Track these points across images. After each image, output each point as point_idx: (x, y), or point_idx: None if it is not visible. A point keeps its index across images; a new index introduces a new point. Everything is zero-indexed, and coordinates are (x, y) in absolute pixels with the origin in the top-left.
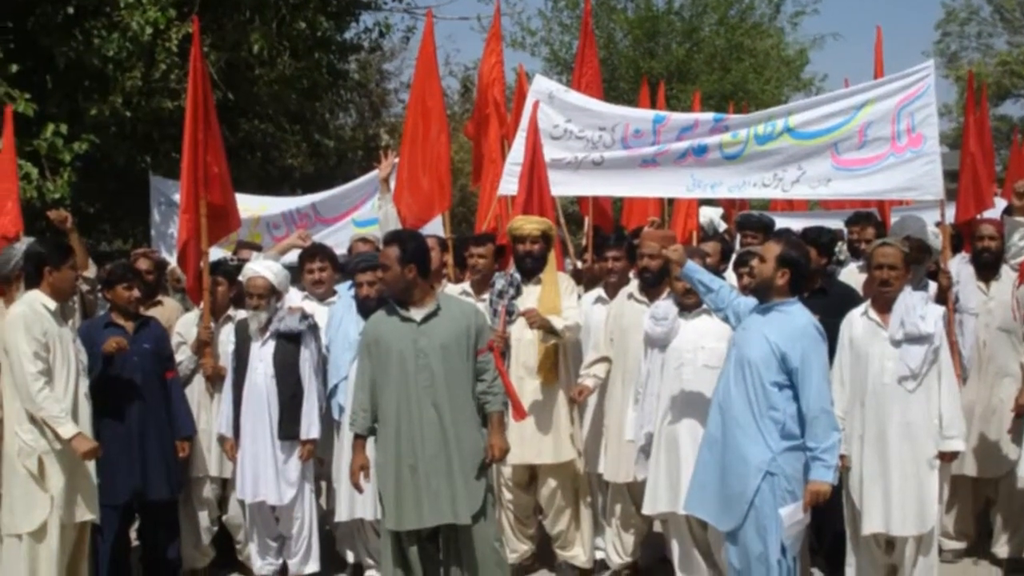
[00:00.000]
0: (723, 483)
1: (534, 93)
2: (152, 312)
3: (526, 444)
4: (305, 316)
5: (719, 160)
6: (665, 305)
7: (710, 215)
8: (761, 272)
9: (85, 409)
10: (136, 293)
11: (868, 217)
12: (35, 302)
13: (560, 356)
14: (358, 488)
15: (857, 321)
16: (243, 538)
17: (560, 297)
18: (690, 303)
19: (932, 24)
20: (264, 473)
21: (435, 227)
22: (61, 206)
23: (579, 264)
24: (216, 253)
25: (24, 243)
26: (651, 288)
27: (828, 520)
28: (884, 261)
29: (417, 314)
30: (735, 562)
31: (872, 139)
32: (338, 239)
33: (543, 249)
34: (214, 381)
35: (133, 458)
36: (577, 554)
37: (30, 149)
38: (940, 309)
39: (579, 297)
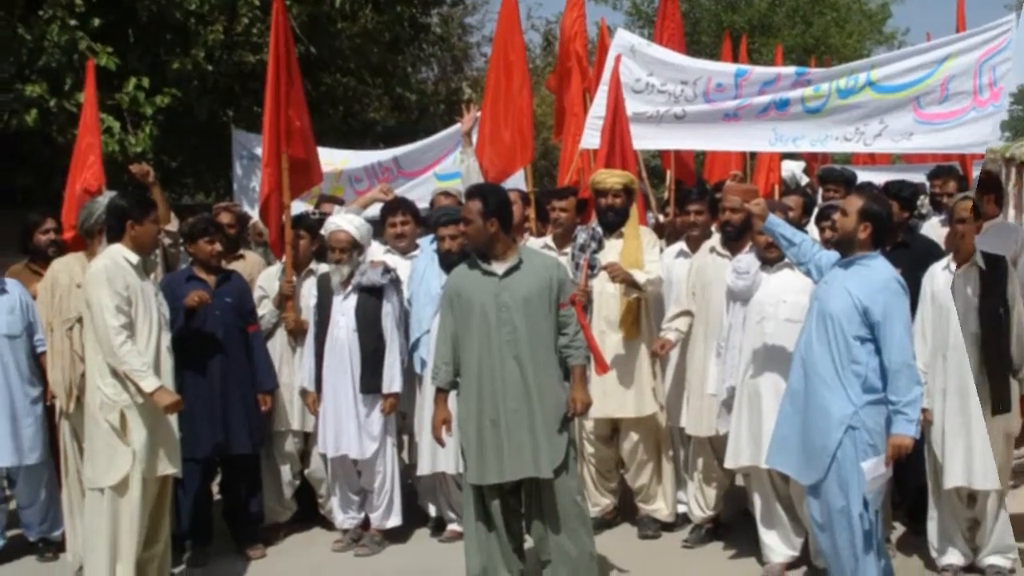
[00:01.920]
0: (805, 437)
1: (616, 47)
2: (234, 266)
3: (608, 398)
4: (387, 270)
5: (801, 114)
6: (747, 259)
7: (792, 169)
8: (843, 226)
9: (167, 363)
10: (218, 247)
11: (950, 171)
12: (117, 256)
13: (642, 310)
14: (440, 442)
15: (939, 275)
16: (325, 492)
17: (642, 251)
18: (772, 257)
19: None
20: (346, 427)
21: (517, 181)
22: (143, 160)
23: (661, 218)
24: (298, 207)
25: (106, 197)
26: (733, 242)
27: (910, 474)
28: (966, 215)
29: (499, 268)
30: (817, 516)
31: (954, 93)
32: (420, 193)
33: (625, 203)
34: (296, 335)
35: (215, 412)
36: (659, 508)
37: (112, 103)
38: None
39: (661, 251)
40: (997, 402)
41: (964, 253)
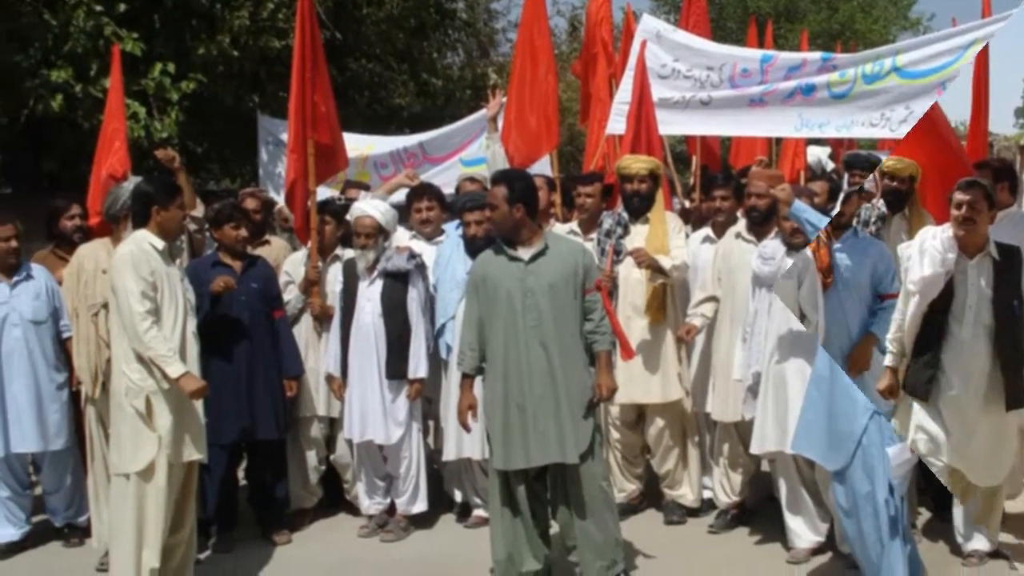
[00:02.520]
0: (831, 422)
1: (642, 32)
2: (260, 251)
3: (634, 383)
4: (413, 255)
5: (827, 99)
6: (773, 244)
7: (818, 154)
8: None
9: (193, 348)
10: (244, 232)
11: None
12: (143, 241)
13: (667, 295)
14: (466, 427)
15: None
16: (351, 478)
17: (668, 236)
18: (798, 242)
19: None
20: (372, 413)
21: (543, 166)
22: (169, 145)
23: (687, 203)
24: (324, 192)
25: (132, 182)
26: (759, 227)
27: None
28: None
29: (525, 253)
30: (842, 502)
31: None
32: (446, 178)
33: (651, 188)
34: (322, 320)
35: (241, 398)
36: (685, 493)
37: (138, 88)
38: None
39: (686, 236)
40: (1011, 396)
41: (976, 243)
